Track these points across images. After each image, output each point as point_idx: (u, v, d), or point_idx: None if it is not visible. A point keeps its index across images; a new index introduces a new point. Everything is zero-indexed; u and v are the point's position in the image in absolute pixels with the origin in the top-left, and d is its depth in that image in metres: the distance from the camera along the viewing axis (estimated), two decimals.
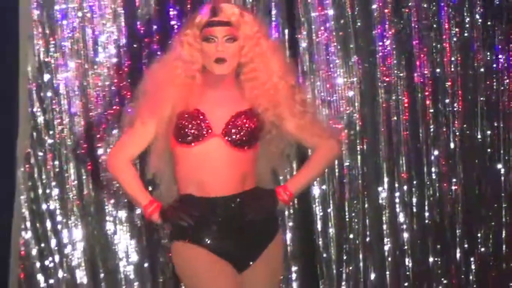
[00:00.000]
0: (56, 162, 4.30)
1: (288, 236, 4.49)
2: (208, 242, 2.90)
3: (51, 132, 4.28)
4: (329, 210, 4.49)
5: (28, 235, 4.29)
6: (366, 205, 4.52)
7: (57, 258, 4.30)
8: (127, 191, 2.99)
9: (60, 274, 4.34)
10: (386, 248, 4.51)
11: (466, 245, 4.52)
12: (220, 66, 2.92)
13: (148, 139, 2.98)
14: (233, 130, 2.93)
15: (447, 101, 4.49)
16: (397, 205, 4.53)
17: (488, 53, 4.46)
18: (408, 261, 4.52)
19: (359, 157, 4.49)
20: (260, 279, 2.98)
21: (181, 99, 2.94)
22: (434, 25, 4.47)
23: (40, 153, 4.30)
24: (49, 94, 4.29)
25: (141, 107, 2.99)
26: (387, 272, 4.52)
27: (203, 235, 2.91)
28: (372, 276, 4.51)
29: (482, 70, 4.46)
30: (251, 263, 2.96)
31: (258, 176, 3.06)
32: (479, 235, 4.52)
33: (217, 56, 2.88)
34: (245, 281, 2.95)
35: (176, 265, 2.97)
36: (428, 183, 4.53)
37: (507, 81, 4.47)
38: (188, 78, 2.96)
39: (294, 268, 4.48)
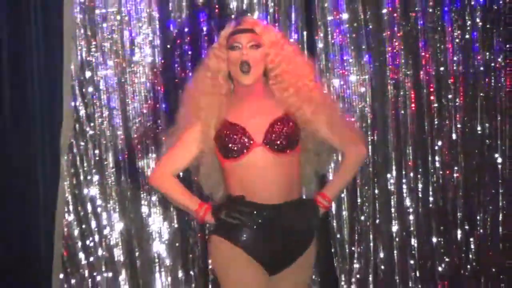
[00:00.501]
0: (96, 151, 4.52)
1: None
2: (245, 243, 2.91)
3: (91, 124, 4.51)
4: (342, 195, 4.67)
5: (71, 217, 4.55)
6: (376, 191, 4.71)
7: (97, 238, 4.55)
8: (176, 202, 3.02)
9: (100, 252, 4.57)
10: (394, 229, 4.70)
11: (466, 227, 4.70)
12: (246, 76, 2.92)
13: (190, 157, 3.02)
14: (273, 136, 2.92)
15: (449, 96, 4.67)
16: (404, 191, 4.70)
17: (487, 53, 4.61)
18: (413, 241, 4.71)
19: (370, 147, 4.65)
20: (289, 285, 3.00)
21: (212, 109, 2.95)
22: (438, 28, 4.63)
23: (82, 143, 4.52)
24: (90, 90, 4.51)
25: (180, 124, 3.01)
26: (395, 251, 4.71)
27: (241, 236, 2.91)
28: (381, 254, 4.70)
29: (481, 68, 4.62)
30: (282, 269, 2.97)
31: (304, 179, 3.08)
32: (478, 218, 4.69)
33: (242, 59, 2.90)
34: (274, 285, 2.97)
35: (212, 257, 3.03)
36: (432, 171, 4.70)
37: (504, 78, 4.61)
38: (215, 87, 2.98)
39: None
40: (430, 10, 4.64)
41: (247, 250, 2.90)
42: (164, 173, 3.00)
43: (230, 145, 2.89)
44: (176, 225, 4.54)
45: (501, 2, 4.59)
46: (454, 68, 4.68)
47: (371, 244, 4.74)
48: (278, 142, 2.90)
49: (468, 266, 4.72)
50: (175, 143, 3.01)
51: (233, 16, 4.52)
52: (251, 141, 2.89)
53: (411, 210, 4.74)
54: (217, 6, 4.52)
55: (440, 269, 4.74)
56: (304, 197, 3.08)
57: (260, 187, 2.91)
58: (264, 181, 2.91)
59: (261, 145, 2.90)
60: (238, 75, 2.92)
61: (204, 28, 4.51)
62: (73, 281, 4.58)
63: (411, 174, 4.72)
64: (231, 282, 2.91)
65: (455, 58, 4.67)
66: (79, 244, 4.58)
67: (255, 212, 2.88)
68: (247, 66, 2.90)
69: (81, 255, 4.59)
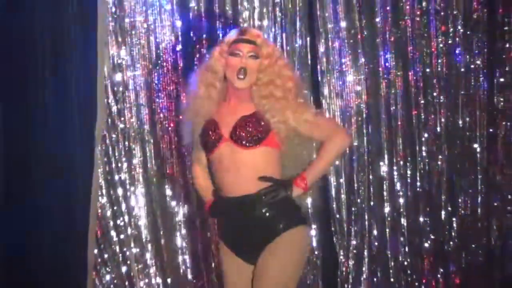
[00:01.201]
0: (126, 143, 4.74)
1: (309, 200, 4.46)
2: (221, 236, 3.04)
3: (122, 119, 4.73)
4: (341, 180, 4.86)
5: (104, 200, 4.77)
6: (370, 176, 4.87)
7: (126, 218, 4.79)
8: (200, 192, 3.22)
9: (129, 231, 4.82)
10: (386, 210, 4.87)
11: (449, 208, 4.85)
12: (240, 81, 2.96)
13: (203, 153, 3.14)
14: (237, 131, 2.94)
15: (434, 94, 4.80)
16: (395, 177, 4.87)
17: (467, 57, 4.77)
18: (403, 221, 4.87)
19: (365, 138, 4.84)
20: (267, 272, 2.93)
21: (203, 108, 3.02)
22: (425, 34, 4.77)
23: (114, 135, 4.75)
24: (120, 88, 4.74)
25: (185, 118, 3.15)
26: (387, 230, 4.87)
27: (221, 232, 3.05)
28: (375, 232, 4.88)
29: (462, 70, 4.77)
30: (255, 257, 2.97)
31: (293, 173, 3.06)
32: (459, 200, 4.85)
33: (240, 66, 2.93)
34: (255, 272, 2.98)
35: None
36: (419, 159, 4.84)
37: (482, 78, 4.77)
38: (209, 86, 3.02)
39: (313, 226, 4.84)
40: (417, 19, 4.77)
41: (224, 242, 3.04)
42: (195, 168, 3.21)
43: (205, 139, 2.99)
44: (195, 205, 4.70)
45: (479, 12, 4.72)
46: (439, 69, 4.80)
47: (366, 223, 4.88)
48: (243, 136, 2.93)
49: (451, 243, 4.86)
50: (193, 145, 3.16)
51: (243, 24, 4.70)
52: (220, 136, 2.96)
53: (401, 193, 4.87)
54: (231, 16, 4.74)
55: (426, 245, 4.87)
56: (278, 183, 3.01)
57: (226, 180, 2.96)
58: (230, 174, 2.95)
59: (228, 140, 2.95)
60: (234, 79, 2.96)
61: (220, 34, 4.71)
62: (105, 255, 4.79)
63: (401, 162, 4.85)
64: (223, 272, 3.08)
65: (439, 61, 4.80)
66: (111, 223, 4.80)
67: (227, 209, 2.99)
68: (244, 73, 2.94)
69: (113, 233, 4.81)
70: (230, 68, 2.97)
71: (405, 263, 4.92)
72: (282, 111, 2.95)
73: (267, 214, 2.97)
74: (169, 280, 4.88)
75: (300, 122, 2.98)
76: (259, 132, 2.93)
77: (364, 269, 4.93)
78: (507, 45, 4.76)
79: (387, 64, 4.87)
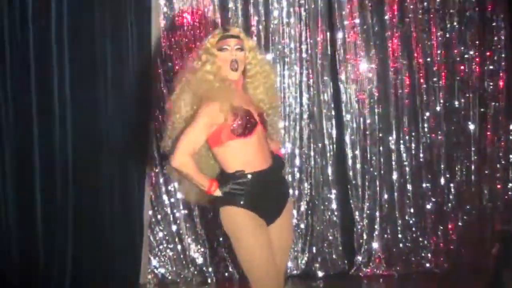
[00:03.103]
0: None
1: (329, 169, 5.25)
2: (246, 204, 2.96)
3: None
4: (356, 152, 5.23)
5: (157, 169, 5.15)
6: (381, 148, 5.22)
7: (176, 184, 4.93)
8: (192, 181, 2.99)
9: (178, 195, 5.15)
10: (394, 177, 5.22)
11: (447, 175, 5.20)
12: (234, 72, 3.01)
13: (204, 139, 3.00)
14: (263, 118, 3.09)
15: (434, 79, 5.17)
16: (402, 149, 5.21)
17: (462, 48, 5.15)
18: (409, 186, 5.22)
19: (376, 117, 5.22)
20: (282, 228, 3.09)
21: (227, 97, 2.98)
22: (426, 29, 5.16)
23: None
24: (171, 75, 5.04)
25: (200, 113, 2.95)
26: (395, 193, 5.21)
27: (241, 200, 2.97)
28: (385, 196, 5.23)
29: (458, 59, 5.17)
30: (277, 217, 3.08)
31: None
32: (456, 168, 5.21)
33: (232, 59, 2.98)
34: (272, 232, 3.05)
35: (224, 225, 3.03)
36: (422, 134, 5.18)
37: (474, 66, 5.18)
38: (223, 80, 3.01)
39: (333, 191, 5.28)
40: (420, 16, 5.15)
41: (249, 209, 2.96)
42: (185, 156, 2.94)
43: (245, 125, 2.95)
44: None
45: (471, 10, 5.12)
46: (438, 58, 5.15)
47: (378, 188, 5.21)
48: (265, 119, 3.11)
49: (449, 204, 5.22)
50: (193, 124, 2.94)
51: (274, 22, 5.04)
52: (256, 120, 3.01)
53: (406, 163, 5.19)
54: (263, 13, 5.14)
55: (428, 206, 5.22)
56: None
57: (260, 156, 3.00)
58: (263, 150, 3.03)
59: (260, 124, 3.04)
60: (228, 72, 3.00)
61: (254, 29, 5.13)
62: (158, 216, 5.20)
63: (406, 137, 5.18)
64: (243, 241, 2.95)
65: (438, 51, 5.15)
66: (163, 189, 5.18)
67: (252, 179, 2.95)
68: (236, 64, 3.00)
69: (165, 197, 5.19)
70: (223, 62, 3.01)
71: (411, 222, 5.26)
72: (269, 99, 3.16)
73: (283, 177, 3.24)
74: (211, 237, 5.19)
75: (275, 110, 3.21)
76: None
77: (376, 227, 5.26)
78: (495, 38, 5.16)
79: (394, 54, 5.21)
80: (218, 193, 2.97)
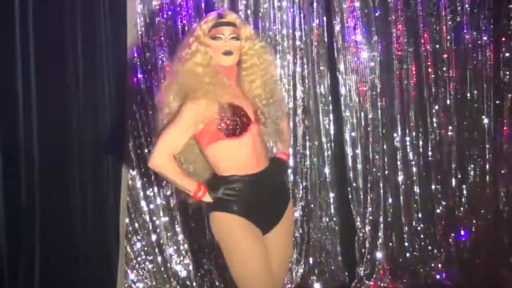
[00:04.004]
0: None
1: (327, 170, 4.98)
2: (239, 210, 2.90)
3: (150, 95, 4.72)
4: (357, 151, 4.96)
5: (134, 172, 4.88)
6: (385, 147, 4.96)
7: (156, 189, 4.88)
8: (176, 184, 2.93)
9: (158, 201, 4.91)
10: (400, 179, 4.96)
11: (459, 176, 4.94)
12: (227, 58, 2.92)
13: (187, 138, 2.91)
14: (259, 115, 3.02)
15: (444, 69, 4.89)
16: (408, 147, 4.95)
17: (475, 33, 4.85)
18: (416, 188, 4.96)
19: (379, 111, 4.93)
20: (280, 238, 3.04)
21: (216, 94, 2.89)
22: (434, 12, 4.85)
23: (143, 111, 4.79)
24: (149, 67, 4.79)
25: (184, 110, 2.86)
26: (401, 197, 4.96)
27: (234, 205, 2.91)
28: (390, 200, 4.98)
29: (470, 45, 4.87)
30: (274, 225, 3.04)
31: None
32: (469, 168, 4.94)
33: (225, 50, 2.90)
34: (268, 241, 3.00)
35: (215, 233, 2.97)
36: (430, 130, 4.94)
37: (489, 53, 4.86)
38: (212, 72, 2.93)
39: (331, 195, 5.01)
40: None
41: (243, 216, 2.90)
42: (164, 157, 2.86)
43: (234, 124, 2.88)
44: None
45: None
46: (448, 45, 4.88)
47: (381, 191, 4.97)
48: (260, 119, 3.01)
49: (461, 208, 4.96)
50: (175, 121, 2.86)
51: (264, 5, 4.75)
52: (249, 120, 2.94)
53: (413, 162, 4.95)
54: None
55: (438, 211, 4.98)
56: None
57: (252, 159, 2.94)
58: (256, 152, 2.96)
59: (254, 123, 2.97)
60: (220, 58, 2.93)
61: (241, 14, 4.76)
62: (136, 224, 4.91)
63: (413, 133, 4.93)
64: (235, 249, 2.89)
65: (448, 37, 4.88)
66: (141, 194, 4.91)
67: (244, 182, 2.90)
68: (229, 53, 2.94)
69: (143, 203, 4.91)
70: (214, 51, 2.93)
71: (418, 228, 5.01)
72: (267, 94, 3.07)
73: (281, 179, 3.14)
74: (196, 247, 4.95)
75: (277, 105, 3.11)
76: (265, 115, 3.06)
77: (379, 234, 5.01)
78: None
79: (399, 40, 4.93)
80: (207, 198, 2.91)
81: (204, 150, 2.94)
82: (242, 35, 2.97)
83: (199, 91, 2.85)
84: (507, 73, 4.88)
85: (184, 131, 2.86)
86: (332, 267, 5.05)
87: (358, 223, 5.02)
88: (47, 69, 4.33)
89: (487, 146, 4.94)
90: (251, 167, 2.92)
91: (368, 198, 5.02)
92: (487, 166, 4.95)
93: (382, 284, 4.99)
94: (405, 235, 5.01)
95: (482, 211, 4.96)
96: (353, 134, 4.98)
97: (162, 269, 4.99)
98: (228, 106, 2.88)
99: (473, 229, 4.95)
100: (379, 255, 5.03)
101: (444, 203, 5.02)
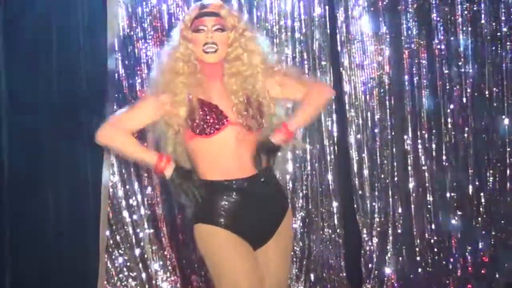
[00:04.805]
0: None
1: (330, 176, 4.91)
2: (226, 223, 2.82)
3: (133, 94, 4.66)
4: (363, 155, 4.89)
5: (115, 178, 4.76)
6: (394, 150, 4.90)
7: (139, 197, 4.77)
8: (132, 155, 2.89)
9: (142, 211, 4.82)
10: (411, 186, 4.89)
11: (477, 183, 4.89)
12: (209, 55, 2.86)
13: (143, 121, 2.88)
14: (245, 115, 2.89)
15: (459, 63, 4.86)
16: (420, 150, 4.89)
17: (494, 24, 4.80)
18: (429, 196, 4.90)
19: (388, 110, 4.88)
20: (274, 256, 2.93)
21: (185, 87, 2.85)
22: (449, 1, 4.81)
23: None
24: (131, 62, 4.69)
25: (148, 93, 2.92)
26: (412, 206, 4.90)
27: (220, 216, 2.83)
28: (400, 209, 4.91)
29: (488, 37, 4.82)
30: (267, 240, 2.91)
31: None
32: (487, 174, 4.89)
33: (205, 41, 2.83)
34: (260, 257, 2.90)
35: (199, 246, 2.89)
36: (445, 131, 4.89)
37: (510, 46, 4.81)
38: (190, 68, 2.89)
39: (335, 204, 4.93)
40: None
41: (229, 229, 2.84)
42: (114, 128, 2.87)
43: (205, 121, 2.84)
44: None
45: None
46: (463, 37, 4.85)
47: (390, 199, 4.92)
48: (250, 121, 2.89)
49: (479, 219, 4.90)
50: (130, 108, 2.92)
51: None
52: (225, 119, 2.86)
53: (426, 168, 4.90)
54: None
55: (453, 221, 4.90)
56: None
57: (231, 163, 2.86)
58: (236, 157, 2.87)
59: (235, 124, 2.87)
60: (202, 55, 2.88)
61: (234, 3, 4.70)
62: (118, 237, 4.79)
63: (426, 135, 4.89)
64: (223, 267, 2.82)
65: (464, 28, 4.85)
66: (123, 203, 4.80)
67: (220, 187, 2.82)
68: (213, 48, 2.86)
69: (125, 213, 4.81)
70: (196, 46, 2.87)
71: (432, 241, 4.95)
72: (245, 92, 2.96)
73: (276, 189, 3.00)
74: (184, 262, 4.90)
75: (271, 92, 2.97)
76: (259, 114, 2.94)
77: (388, 247, 4.96)
78: None
79: (409, 32, 4.90)
80: (168, 172, 2.83)
81: (187, 149, 2.93)
82: (228, 25, 2.89)
83: (167, 86, 2.87)
84: None
85: (136, 114, 2.88)
86: (336, 284, 4.99)
87: (365, 235, 4.97)
88: (20, 64, 4.42)
89: (508, 149, 4.91)
90: (233, 172, 2.85)
91: (376, 207, 4.97)
92: (508, 171, 4.92)
93: None
94: (416, 249, 4.96)
95: (503, 221, 4.92)
96: (358, 136, 4.94)
97: (147, 286, 4.92)
98: (198, 103, 2.85)
99: (493, 242, 4.92)
100: (387, 270, 4.98)
101: (460, 213, 4.97)
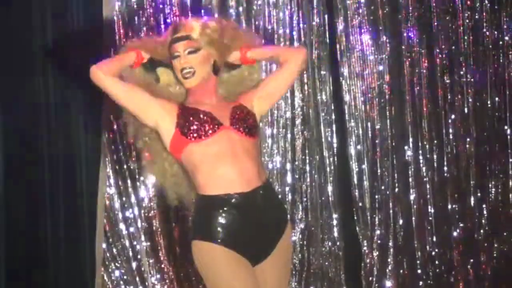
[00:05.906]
0: None
1: (329, 188, 4.88)
2: (224, 239, 2.79)
3: None
4: (363, 166, 4.88)
5: (112, 190, 4.71)
6: (394, 161, 4.89)
7: (136, 210, 4.72)
8: (119, 62, 2.86)
9: (139, 224, 4.76)
10: (412, 197, 4.89)
11: (479, 194, 4.89)
12: (188, 80, 2.88)
13: (145, 105, 2.86)
14: (239, 120, 2.88)
15: (461, 72, 4.86)
16: (421, 161, 4.89)
17: (495, 32, 4.83)
18: (430, 208, 4.90)
19: (388, 121, 4.87)
20: (273, 271, 2.91)
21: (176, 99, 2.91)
22: (450, 9, 4.81)
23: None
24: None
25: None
26: (413, 218, 4.89)
27: (218, 232, 2.79)
28: (401, 221, 4.89)
29: (490, 46, 4.83)
30: (266, 257, 2.88)
31: None
32: (490, 185, 4.90)
33: (181, 67, 2.86)
34: (258, 274, 2.87)
35: (196, 263, 2.86)
36: (446, 142, 4.90)
37: (511, 55, 4.84)
38: (178, 97, 2.95)
39: (335, 216, 4.90)
40: None
41: (228, 246, 2.80)
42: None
43: (197, 124, 2.82)
44: None
45: None
46: (465, 46, 4.86)
47: (391, 211, 4.90)
48: (246, 125, 2.89)
49: (481, 231, 4.89)
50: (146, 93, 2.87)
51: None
52: (220, 123, 2.85)
53: (427, 179, 4.90)
54: None
55: (455, 234, 4.90)
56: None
57: (231, 171, 2.82)
58: (235, 163, 2.84)
59: (229, 128, 2.85)
60: (182, 81, 2.92)
61: (232, 12, 4.72)
62: (114, 250, 4.74)
63: (427, 146, 4.90)
64: (221, 286, 2.78)
65: (465, 37, 4.86)
66: (120, 215, 4.76)
67: (225, 203, 2.79)
68: (190, 72, 2.88)
69: (122, 226, 4.77)
70: (176, 72, 2.91)
71: (433, 253, 4.94)
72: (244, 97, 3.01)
73: (275, 203, 2.97)
74: (182, 275, 4.86)
75: (256, 106, 2.98)
76: (254, 120, 2.95)
77: (389, 260, 4.94)
78: None
79: (410, 41, 4.91)
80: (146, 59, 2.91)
81: (182, 163, 2.88)
82: (202, 43, 2.88)
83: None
84: None
85: (144, 93, 2.84)
86: None
87: (365, 248, 4.94)
88: (15, 69, 4.43)
89: (510, 160, 4.93)
90: (235, 185, 2.79)
91: (376, 219, 4.95)
92: (510, 182, 4.93)
93: None
94: (418, 261, 4.95)
95: (505, 233, 4.92)
96: (358, 147, 4.93)
97: None
98: (191, 109, 2.86)
99: (495, 255, 4.91)
100: (388, 283, 4.96)
101: (462, 225, 4.97)
